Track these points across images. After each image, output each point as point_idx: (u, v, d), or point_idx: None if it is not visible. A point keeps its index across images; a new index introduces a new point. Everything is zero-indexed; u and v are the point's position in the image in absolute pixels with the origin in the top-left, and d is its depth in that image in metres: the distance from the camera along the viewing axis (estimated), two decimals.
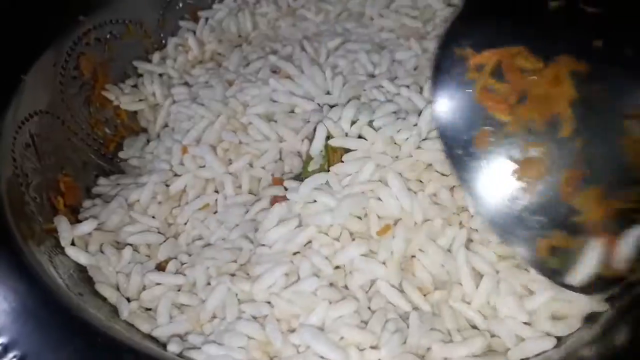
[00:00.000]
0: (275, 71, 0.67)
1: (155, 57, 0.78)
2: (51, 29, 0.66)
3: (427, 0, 0.75)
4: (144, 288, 0.54)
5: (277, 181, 0.60)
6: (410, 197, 0.52)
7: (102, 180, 0.66)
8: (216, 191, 0.61)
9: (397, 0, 0.76)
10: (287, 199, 0.55)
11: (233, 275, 0.53)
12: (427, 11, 0.75)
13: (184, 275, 0.55)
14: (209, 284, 0.53)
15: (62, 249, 0.54)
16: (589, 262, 0.45)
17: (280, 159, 0.62)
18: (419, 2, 0.76)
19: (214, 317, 0.51)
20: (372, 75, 0.66)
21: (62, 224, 0.56)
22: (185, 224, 0.60)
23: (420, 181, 0.55)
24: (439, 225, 0.52)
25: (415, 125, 0.56)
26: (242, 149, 0.62)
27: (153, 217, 0.60)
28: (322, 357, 0.45)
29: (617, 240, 0.45)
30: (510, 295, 0.49)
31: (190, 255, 0.57)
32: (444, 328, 0.49)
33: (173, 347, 0.47)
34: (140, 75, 0.76)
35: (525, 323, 0.48)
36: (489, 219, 0.48)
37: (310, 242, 0.52)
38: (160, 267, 0.57)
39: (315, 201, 0.53)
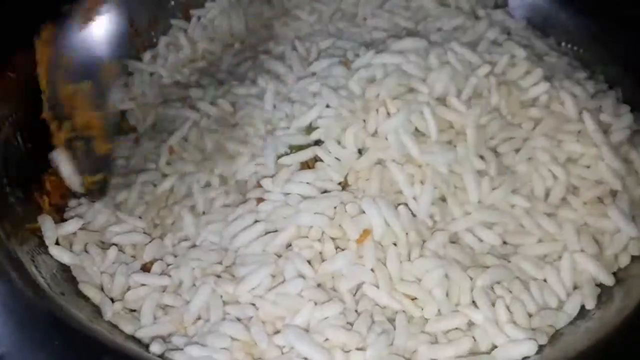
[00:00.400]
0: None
1: (146, 55, 0.77)
2: (34, 26, 0.65)
3: (421, 0, 0.75)
4: (128, 289, 0.54)
5: None
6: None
7: None
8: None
9: (390, 0, 0.76)
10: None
11: (219, 276, 0.52)
12: (420, 11, 0.74)
13: (169, 276, 0.54)
14: (194, 285, 0.52)
15: (46, 248, 0.54)
16: None
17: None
18: (412, 2, 0.75)
19: (199, 318, 0.51)
20: None
21: (46, 222, 0.56)
22: (172, 224, 0.59)
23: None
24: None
25: None
26: (229, 149, 0.61)
27: (140, 217, 0.60)
28: (305, 358, 0.45)
29: None
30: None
31: (175, 256, 0.56)
32: (431, 330, 0.48)
33: (155, 348, 0.46)
34: (131, 74, 0.76)
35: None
36: None
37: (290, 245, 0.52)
38: (146, 268, 0.56)
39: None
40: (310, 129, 0.59)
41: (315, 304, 0.48)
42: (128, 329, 0.50)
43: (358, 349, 0.46)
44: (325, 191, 0.54)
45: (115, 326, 0.50)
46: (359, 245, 0.51)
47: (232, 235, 0.54)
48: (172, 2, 0.81)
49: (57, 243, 0.55)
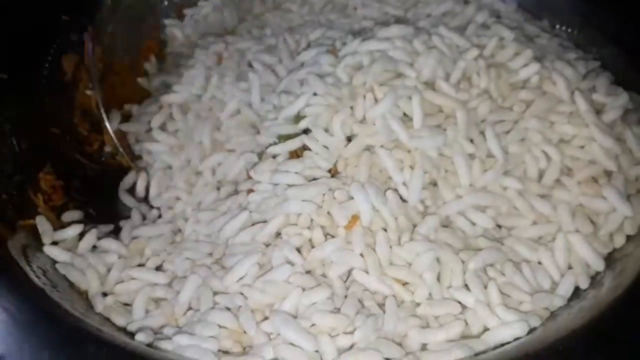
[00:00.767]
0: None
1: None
2: (33, 28, 0.66)
3: None
4: (121, 282, 0.54)
5: None
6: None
7: None
8: None
9: None
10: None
11: (209, 268, 0.52)
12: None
13: (163, 270, 0.54)
14: (185, 277, 0.52)
15: (38, 243, 0.54)
16: None
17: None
18: None
19: (190, 309, 0.51)
20: None
21: (44, 224, 0.56)
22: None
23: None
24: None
25: None
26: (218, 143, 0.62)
27: None
28: (292, 343, 0.44)
29: None
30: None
31: (169, 251, 0.56)
32: (422, 314, 0.48)
33: (141, 337, 0.46)
34: None
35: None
36: None
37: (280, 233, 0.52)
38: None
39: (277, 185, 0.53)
40: (298, 117, 0.58)
41: (304, 290, 0.47)
42: (120, 321, 0.50)
43: (346, 333, 0.46)
44: (314, 179, 0.54)
45: (107, 319, 0.50)
46: (347, 231, 0.51)
47: (221, 227, 0.53)
48: (166, 2, 0.82)
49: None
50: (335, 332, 0.46)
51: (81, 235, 0.58)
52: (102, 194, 0.66)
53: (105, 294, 0.53)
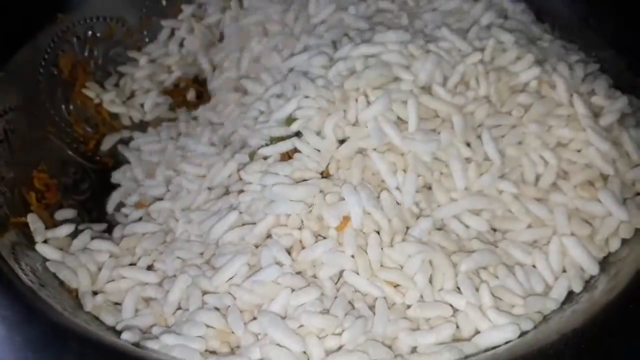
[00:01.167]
0: None
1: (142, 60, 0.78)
2: (29, 26, 0.66)
3: None
4: (111, 280, 0.54)
5: None
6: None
7: None
8: None
9: None
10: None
11: (199, 268, 0.52)
12: None
13: (154, 269, 0.54)
14: (174, 276, 0.52)
15: (29, 241, 0.54)
16: None
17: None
18: None
19: (179, 309, 0.50)
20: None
21: (36, 223, 0.56)
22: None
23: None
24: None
25: None
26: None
27: None
28: (279, 344, 0.44)
29: None
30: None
31: (160, 250, 0.56)
32: (412, 317, 0.47)
33: (127, 336, 0.46)
34: (123, 75, 0.76)
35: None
36: None
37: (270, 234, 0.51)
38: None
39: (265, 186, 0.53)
40: (290, 120, 0.58)
41: (292, 290, 0.47)
42: (109, 320, 0.50)
43: (335, 334, 0.45)
44: (304, 181, 0.54)
45: (96, 318, 0.50)
46: (339, 233, 0.50)
47: (211, 227, 0.53)
48: (164, 2, 0.81)
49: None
50: (323, 334, 0.45)
51: (75, 234, 0.57)
52: (96, 193, 0.66)
53: (95, 293, 0.53)
